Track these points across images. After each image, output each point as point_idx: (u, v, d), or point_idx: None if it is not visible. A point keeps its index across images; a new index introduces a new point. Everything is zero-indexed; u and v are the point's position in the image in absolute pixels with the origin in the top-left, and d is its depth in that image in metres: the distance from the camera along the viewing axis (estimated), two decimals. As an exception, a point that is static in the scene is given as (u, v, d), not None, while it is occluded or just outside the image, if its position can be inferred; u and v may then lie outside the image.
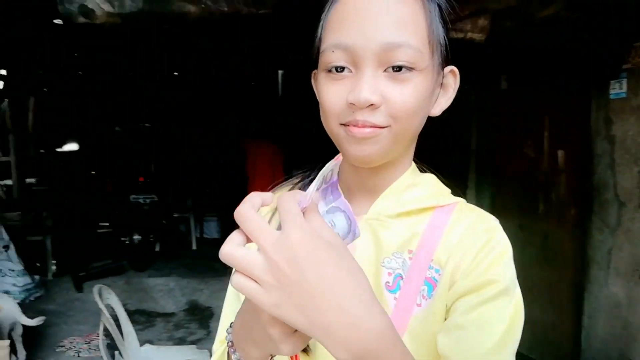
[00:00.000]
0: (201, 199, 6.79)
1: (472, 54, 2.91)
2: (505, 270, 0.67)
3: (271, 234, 0.46)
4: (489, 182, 3.86)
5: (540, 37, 2.67)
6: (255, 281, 0.46)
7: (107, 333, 2.55)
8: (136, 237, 5.97)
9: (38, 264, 5.32)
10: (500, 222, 0.71)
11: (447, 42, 0.69)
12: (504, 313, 0.65)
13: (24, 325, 3.31)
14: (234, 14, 1.99)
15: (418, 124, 0.69)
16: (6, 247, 4.64)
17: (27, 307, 3.92)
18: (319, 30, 0.69)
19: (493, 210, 0.74)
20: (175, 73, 5.25)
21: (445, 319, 0.67)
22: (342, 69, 0.64)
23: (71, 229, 5.61)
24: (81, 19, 1.83)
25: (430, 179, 0.77)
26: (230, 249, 0.47)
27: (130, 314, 2.83)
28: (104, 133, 7.63)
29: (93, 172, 7.05)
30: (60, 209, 5.68)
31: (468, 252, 0.68)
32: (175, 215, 6.67)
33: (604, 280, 2.90)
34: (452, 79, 0.73)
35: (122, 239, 6.03)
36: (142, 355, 2.64)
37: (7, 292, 4.03)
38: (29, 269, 4.87)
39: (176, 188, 6.73)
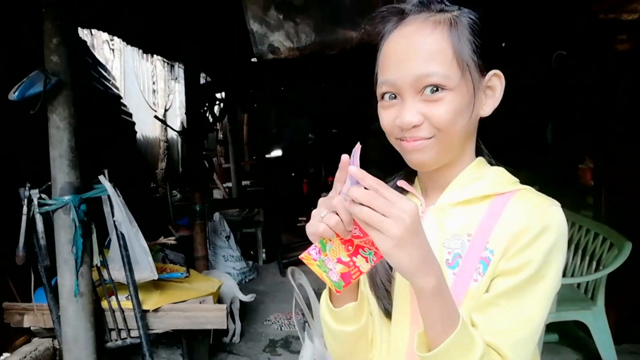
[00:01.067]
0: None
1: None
2: (542, 254, 0.75)
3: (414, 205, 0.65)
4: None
5: None
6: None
7: (300, 310, 2.84)
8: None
9: (252, 252, 5.89)
10: None
11: (480, 56, 0.79)
12: (531, 297, 0.76)
13: (240, 301, 3.77)
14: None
15: (462, 130, 0.80)
16: (227, 237, 5.18)
17: (243, 287, 4.38)
18: (376, 67, 0.84)
19: None
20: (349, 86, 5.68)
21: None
22: (394, 96, 0.80)
23: (277, 223, 6.14)
24: (270, 56, 2.31)
25: (496, 171, 0.86)
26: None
27: (320, 295, 3.15)
28: (300, 140, 8.36)
29: (293, 174, 7.90)
30: (269, 206, 6.25)
31: (517, 236, 0.76)
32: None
33: None
34: (497, 81, 0.82)
35: (317, 231, 6.63)
36: (327, 329, 2.94)
37: (228, 274, 4.45)
38: (245, 256, 5.41)
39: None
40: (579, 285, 3.20)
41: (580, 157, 3.95)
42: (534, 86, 3.95)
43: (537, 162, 4.19)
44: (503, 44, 3.64)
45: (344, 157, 0.69)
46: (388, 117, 0.81)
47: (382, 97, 0.82)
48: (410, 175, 0.94)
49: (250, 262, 5.53)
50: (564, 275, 3.24)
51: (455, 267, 0.81)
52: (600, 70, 3.41)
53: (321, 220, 0.71)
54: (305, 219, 7.07)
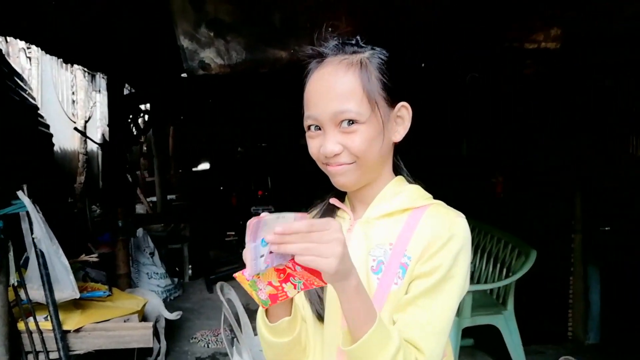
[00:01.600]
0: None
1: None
2: (450, 258, 0.87)
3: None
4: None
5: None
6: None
7: (229, 325, 2.75)
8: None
9: (177, 269, 5.74)
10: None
11: (388, 92, 0.91)
12: (443, 295, 0.87)
13: (165, 319, 3.67)
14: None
15: (377, 155, 0.91)
16: (152, 254, 5.04)
17: (168, 305, 4.20)
18: (303, 100, 0.94)
19: None
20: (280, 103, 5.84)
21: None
22: (318, 128, 0.91)
23: (204, 238, 6.09)
24: (200, 72, 2.34)
25: (413, 187, 0.98)
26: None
27: (249, 310, 3.18)
28: (229, 154, 8.29)
29: (221, 188, 7.80)
30: (195, 220, 6.17)
31: (429, 244, 0.88)
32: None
33: None
34: (405, 111, 0.94)
35: (246, 245, 6.62)
36: (255, 343, 2.82)
37: (152, 291, 4.29)
38: (170, 273, 5.26)
39: (289, 199, 7.25)
40: (491, 291, 3.44)
41: (492, 171, 4.26)
42: (450, 104, 4.24)
43: (454, 175, 4.46)
44: (422, 64, 3.89)
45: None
46: (314, 145, 0.93)
47: (309, 128, 0.93)
48: (341, 193, 1.04)
49: (176, 279, 5.39)
50: (477, 282, 3.49)
51: (379, 272, 0.91)
52: (509, 91, 3.76)
53: None
54: (234, 233, 7.00)
